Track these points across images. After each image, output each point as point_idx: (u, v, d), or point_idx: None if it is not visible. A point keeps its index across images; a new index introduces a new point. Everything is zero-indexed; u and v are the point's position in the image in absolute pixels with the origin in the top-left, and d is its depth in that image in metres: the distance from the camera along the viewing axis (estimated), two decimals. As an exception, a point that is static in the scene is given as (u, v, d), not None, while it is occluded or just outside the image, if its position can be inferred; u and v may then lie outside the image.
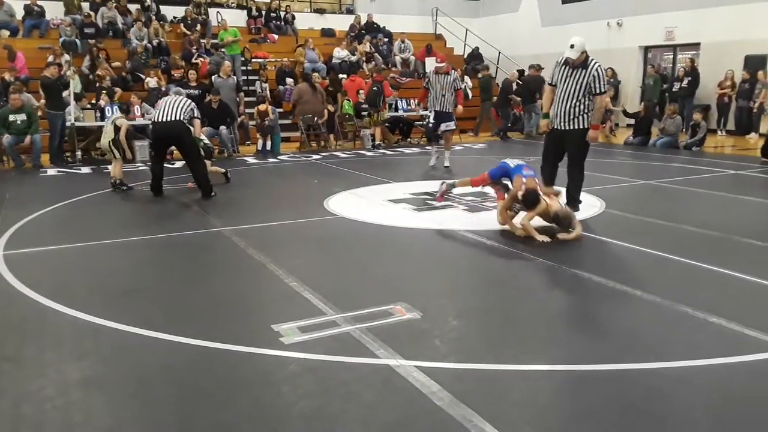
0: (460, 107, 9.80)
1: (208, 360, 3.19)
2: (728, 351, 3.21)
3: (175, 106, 7.54)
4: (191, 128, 7.72)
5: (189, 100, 7.87)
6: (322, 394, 2.82)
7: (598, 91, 6.03)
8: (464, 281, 4.59)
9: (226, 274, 4.71)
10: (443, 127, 9.49)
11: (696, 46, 15.32)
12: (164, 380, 2.99)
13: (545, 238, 5.31)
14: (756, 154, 10.88)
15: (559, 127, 6.22)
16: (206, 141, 8.86)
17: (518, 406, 2.74)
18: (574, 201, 6.31)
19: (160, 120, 7.50)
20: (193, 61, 14.19)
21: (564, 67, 6.09)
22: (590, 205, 6.78)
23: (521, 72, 15.77)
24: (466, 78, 16.38)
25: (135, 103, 11.80)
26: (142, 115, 11.62)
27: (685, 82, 14.50)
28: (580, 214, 6.38)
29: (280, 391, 2.87)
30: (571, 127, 6.14)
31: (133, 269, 4.88)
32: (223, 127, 11.34)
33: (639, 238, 5.42)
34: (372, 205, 7.16)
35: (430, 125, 9.81)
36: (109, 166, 8.66)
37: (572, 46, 5.95)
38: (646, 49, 16.81)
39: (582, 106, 6.06)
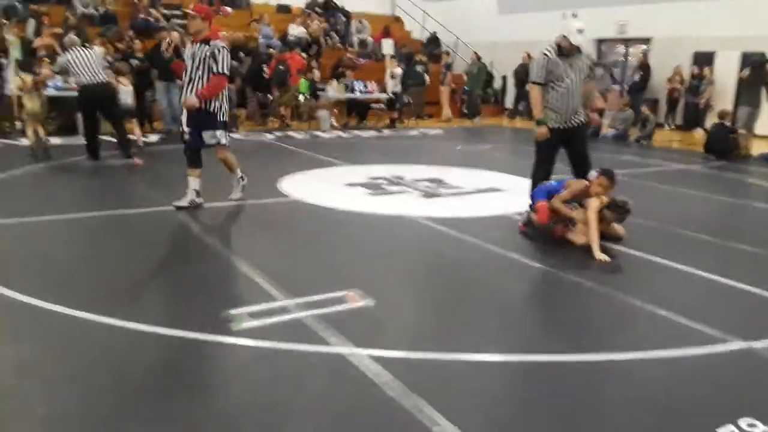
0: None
1: (152, 346, 3.06)
2: (674, 343, 3.27)
3: (94, 62, 7.60)
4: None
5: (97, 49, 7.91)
6: (272, 382, 2.74)
7: (594, 75, 5.69)
8: (418, 269, 4.56)
9: (173, 256, 4.55)
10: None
11: (647, 41, 15.67)
12: (105, 367, 2.85)
13: (604, 257, 4.68)
14: (701, 149, 11.22)
15: (563, 126, 5.45)
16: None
17: (469, 396, 2.73)
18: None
19: (89, 82, 7.40)
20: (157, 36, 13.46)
21: (562, 58, 5.36)
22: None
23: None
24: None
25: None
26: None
27: (637, 76, 14.82)
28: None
29: (229, 379, 2.78)
30: (578, 122, 5.52)
31: (73, 249, 4.66)
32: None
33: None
34: (327, 187, 7.05)
35: None
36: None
37: (581, 31, 5.31)
38: (600, 42, 17.09)
39: (581, 97, 5.54)
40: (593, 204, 4.85)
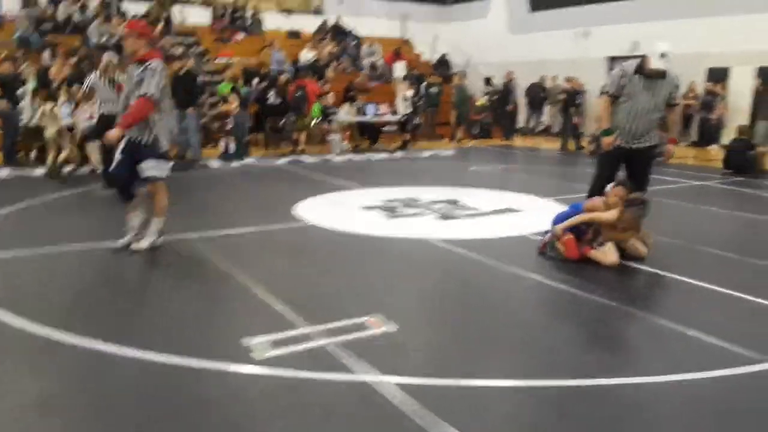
0: None
1: (174, 377, 3.01)
2: (708, 365, 3.17)
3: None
4: None
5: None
6: (298, 412, 2.68)
7: (678, 102, 5.50)
8: (439, 292, 4.48)
9: (191, 285, 4.49)
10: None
11: (660, 57, 15.62)
12: (128, 400, 2.80)
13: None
14: (717, 165, 11.11)
15: (625, 145, 5.32)
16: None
17: (500, 423, 2.66)
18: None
19: (110, 112, 7.30)
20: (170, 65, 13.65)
21: (638, 77, 5.19)
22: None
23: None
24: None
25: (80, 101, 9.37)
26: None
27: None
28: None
29: (253, 410, 2.72)
30: (644, 145, 5.33)
31: (90, 279, 4.62)
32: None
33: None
34: (342, 211, 7.02)
35: None
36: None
37: (664, 56, 5.08)
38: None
39: (655, 121, 5.33)
40: (611, 213, 4.85)
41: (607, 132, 5.33)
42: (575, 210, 5.16)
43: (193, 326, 3.65)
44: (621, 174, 5.41)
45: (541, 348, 3.47)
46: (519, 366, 3.22)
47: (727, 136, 13.36)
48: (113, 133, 4.85)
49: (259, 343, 3.33)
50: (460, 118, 15.41)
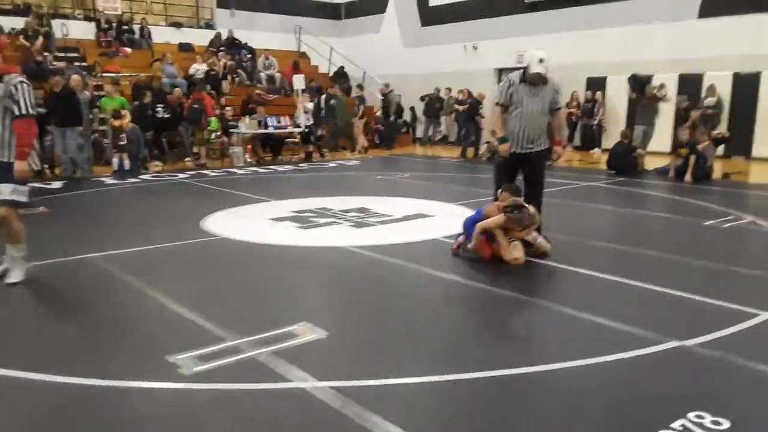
0: None
1: (101, 400, 2.86)
2: (614, 348, 3.42)
3: None
4: None
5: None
6: (241, 424, 2.63)
7: (560, 106, 5.79)
8: (363, 297, 4.53)
9: (103, 305, 4.27)
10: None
11: (543, 68, 16.67)
12: (53, 427, 2.63)
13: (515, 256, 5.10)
14: (600, 167, 12.00)
15: (518, 150, 5.60)
16: None
17: (437, 417, 2.75)
18: (538, 229, 5.72)
19: None
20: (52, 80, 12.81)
21: (523, 85, 5.51)
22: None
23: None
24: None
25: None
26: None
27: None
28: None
29: (191, 426, 2.63)
30: (535, 149, 5.63)
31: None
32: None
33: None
34: (253, 224, 6.92)
35: None
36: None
37: (542, 61, 5.40)
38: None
39: (544, 125, 5.66)
40: (499, 218, 5.13)
41: (503, 140, 5.62)
42: (480, 213, 5.39)
43: (113, 347, 3.48)
44: (519, 180, 5.73)
45: (462, 343, 3.62)
46: (444, 361, 3.33)
47: (606, 140, 14.49)
48: (22, 167, 4.47)
49: (185, 358, 3.24)
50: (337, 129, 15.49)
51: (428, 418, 2.74)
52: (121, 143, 11.45)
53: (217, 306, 4.13)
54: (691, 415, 2.69)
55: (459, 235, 5.42)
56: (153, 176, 11.04)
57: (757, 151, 13.06)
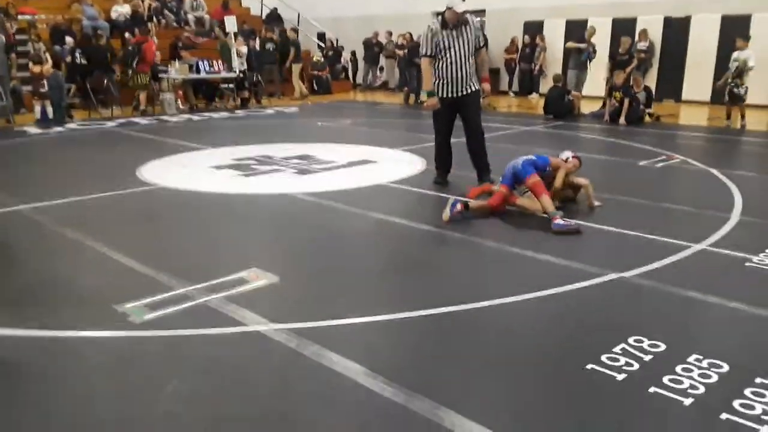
0: None
1: (51, 350, 2.77)
2: (558, 282, 3.56)
3: None
4: None
5: None
6: (195, 369, 2.61)
7: (483, 44, 5.77)
8: (312, 242, 4.49)
9: (40, 258, 4.08)
10: None
11: (482, 12, 16.59)
12: (4, 378, 2.53)
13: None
14: (538, 112, 12.21)
15: (453, 95, 5.62)
16: None
17: (390, 353, 2.82)
18: (487, 168, 5.88)
19: None
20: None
21: (446, 31, 5.46)
22: (412, 163, 7.09)
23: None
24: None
25: None
26: None
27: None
28: (410, 170, 6.66)
29: (146, 373, 2.59)
30: (469, 91, 5.65)
31: None
32: None
33: (455, 190, 5.72)
34: (193, 172, 6.71)
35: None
36: None
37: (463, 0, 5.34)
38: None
39: (473, 66, 5.66)
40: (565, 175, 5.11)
41: (430, 93, 5.62)
42: (542, 160, 5.12)
43: (57, 299, 3.36)
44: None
45: (410, 282, 3.67)
46: (393, 300, 3.38)
47: (544, 85, 14.71)
48: None
49: (134, 307, 3.16)
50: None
51: (382, 353, 2.79)
52: (43, 90, 10.77)
53: (162, 255, 4.03)
54: (630, 339, 2.85)
55: (456, 202, 4.92)
56: (79, 125, 10.49)
57: (687, 94, 13.56)
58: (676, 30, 13.38)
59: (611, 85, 10.89)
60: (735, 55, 9.96)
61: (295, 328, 2.94)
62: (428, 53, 5.54)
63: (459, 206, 4.80)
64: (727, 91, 10.00)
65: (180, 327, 2.95)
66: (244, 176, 6.44)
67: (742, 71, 9.78)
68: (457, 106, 5.71)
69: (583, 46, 11.81)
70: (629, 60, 11.50)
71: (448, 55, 5.50)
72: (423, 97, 5.71)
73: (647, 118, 10.67)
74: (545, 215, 4.71)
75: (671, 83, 13.48)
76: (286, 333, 2.89)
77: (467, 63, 5.57)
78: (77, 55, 12.10)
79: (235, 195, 5.71)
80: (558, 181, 5.10)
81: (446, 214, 4.78)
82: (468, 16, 5.51)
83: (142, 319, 3.04)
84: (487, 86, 5.86)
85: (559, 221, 4.57)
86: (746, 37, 10.09)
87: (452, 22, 5.43)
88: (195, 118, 11.71)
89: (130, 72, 12.30)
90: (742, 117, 10.00)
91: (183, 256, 4.06)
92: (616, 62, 11.32)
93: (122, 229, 4.69)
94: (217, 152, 7.84)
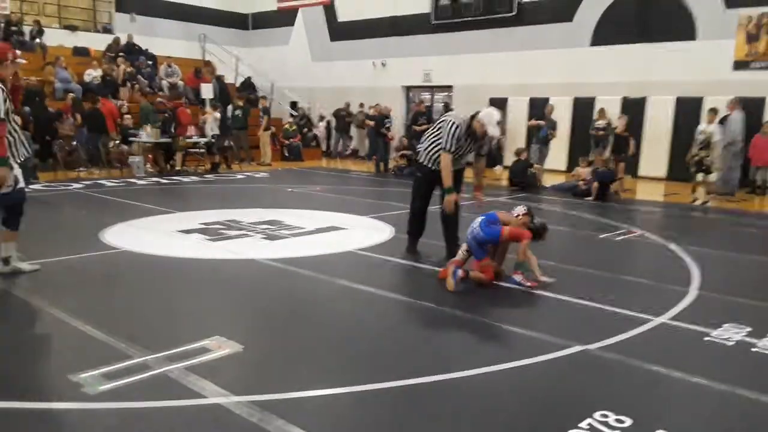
0: None
1: (2, 423, 2.63)
2: (524, 354, 3.56)
3: None
4: None
5: None
6: (151, 445, 2.50)
7: (485, 152, 5.97)
8: (277, 310, 4.44)
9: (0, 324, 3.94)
10: None
11: (449, 87, 17.22)
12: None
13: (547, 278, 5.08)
14: (503, 183, 12.51)
15: (438, 168, 5.70)
16: None
17: (355, 427, 2.75)
18: (456, 243, 5.81)
19: None
20: None
21: (466, 136, 5.58)
22: (380, 230, 7.14)
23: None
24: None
25: None
26: None
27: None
28: (379, 238, 6.69)
29: (99, 449, 2.48)
30: (457, 167, 5.82)
31: None
32: None
33: (430, 259, 5.83)
34: (159, 237, 6.63)
35: None
36: None
37: (499, 123, 5.60)
38: (408, 89, 18.40)
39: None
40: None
41: (449, 190, 5.65)
42: (490, 217, 5.17)
43: (8, 367, 3.21)
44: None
45: (377, 353, 3.62)
46: (360, 371, 3.33)
47: (509, 158, 15.14)
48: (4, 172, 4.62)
49: (89, 377, 3.05)
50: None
51: (347, 428, 2.72)
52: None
53: (122, 322, 3.92)
54: (596, 414, 2.85)
55: (457, 268, 4.90)
56: (44, 185, 10.34)
57: (643, 170, 14.10)
58: (633, 110, 14.05)
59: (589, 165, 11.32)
60: (702, 127, 10.53)
61: (259, 401, 2.86)
62: (450, 149, 5.57)
63: (461, 273, 4.87)
64: (695, 161, 10.50)
65: (136, 399, 2.84)
66: (211, 241, 6.39)
67: (709, 143, 10.33)
68: (439, 179, 5.73)
69: (542, 123, 12.40)
70: (605, 137, 12.07)
71: (457, 153, 5.65)
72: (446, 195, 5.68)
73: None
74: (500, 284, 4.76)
75: (629, 160, 14.00)
76: (248, 406, 2.81)
77: (462, 157, 5.79)
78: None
79: (200, 260, 5.64)
80: (521, 255, 5.12)
81: (450, 283, 4.83)
82: (491, 132, 5.55)
83: (96, 390, 2.92)
84: (480, 196, 6.07)
85: (518, 277, 4.92)
86: (714, 111, 10.72)
87: (478, 134, 5.56)
88: (164, 181, 11.67)
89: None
90: (708, 193, 10.47)
91: (144, 323, 3.96)
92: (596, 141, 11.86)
93: (82, 294, 4.57)
94: (185, 216, 7.78)
